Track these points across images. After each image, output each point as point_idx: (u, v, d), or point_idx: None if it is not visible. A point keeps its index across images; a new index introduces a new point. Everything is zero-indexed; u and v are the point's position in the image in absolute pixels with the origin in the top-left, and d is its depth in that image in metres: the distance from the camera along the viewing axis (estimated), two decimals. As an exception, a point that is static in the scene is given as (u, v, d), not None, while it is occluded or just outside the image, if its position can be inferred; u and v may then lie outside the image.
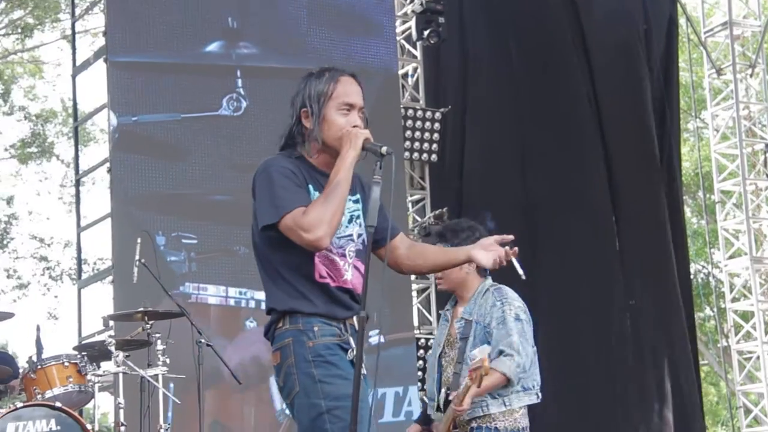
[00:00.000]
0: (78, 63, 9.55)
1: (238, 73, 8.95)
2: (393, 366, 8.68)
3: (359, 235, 3.64)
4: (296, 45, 9.24)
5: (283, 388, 3.56)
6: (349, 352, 3.52)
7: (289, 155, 3.66)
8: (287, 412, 8.36)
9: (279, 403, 8.41)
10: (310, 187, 3.59)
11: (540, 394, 4.76)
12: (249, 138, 8.80)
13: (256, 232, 3.65)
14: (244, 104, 8.87)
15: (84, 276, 10.30)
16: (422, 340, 9.67)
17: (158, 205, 8.47)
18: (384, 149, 3.48)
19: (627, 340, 10.55)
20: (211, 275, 8.50)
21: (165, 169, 8.56)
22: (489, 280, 4.90)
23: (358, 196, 3.71)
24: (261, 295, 8.37)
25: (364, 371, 3.45)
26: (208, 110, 8.78)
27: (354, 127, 3.57)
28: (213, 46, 8.97)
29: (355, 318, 3.53)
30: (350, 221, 3.67)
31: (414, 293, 10.06)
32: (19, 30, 19.18)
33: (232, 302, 8.54)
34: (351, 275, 3.61)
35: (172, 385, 6.50)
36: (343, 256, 3.62)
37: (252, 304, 8.56)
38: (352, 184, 3.59)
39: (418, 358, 9.51)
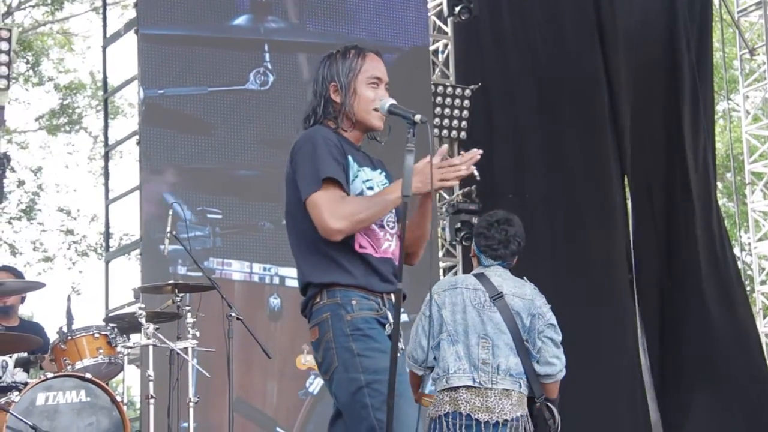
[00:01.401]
0: (108, 35, 9.54)
1: (266, 48, 8.92)
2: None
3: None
4: (324, 20, 9.19)
5: (321, 364, 3.52)
6: (386, 326, 3.49)
7: (329, 127, 3.64)
8: (311, 390, 8.45)
9: (302, 381, 8.42)
10: (350, 157, 3.58)
11: (454, 377, 4.80)
12: (275, 113, 8.77)
13: (294, 203, 3.59)
14: (271, 79, 8.84)
15: (110, 249, 10.31)
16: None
17: (183, 179, 8.46)
18: (418, 117, 3.45)
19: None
20: (236, 251, 8.49)
21: (191, 143, 8.53)
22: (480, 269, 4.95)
23: (381, 171, 3.71)
24: (285, 271, 8.51)
25: (402, 346, 3.43)
26: (235, 84, 8.75)
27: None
28: (241, 20, 8.94)
29: (393, 294, 3.50)
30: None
31: (441, 271, 10.04)
32: (50, 1, 19.18)
33: (256, 278, 8.52)
34: (394, 244, 3.59)
35: (195, 359, 6.48)
36: (382, 226, 3.60)
37: (276, 280, 8.54)
38: (375, 162, 3.67)
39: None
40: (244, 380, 8.02)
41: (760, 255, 12.04)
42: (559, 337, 4.89)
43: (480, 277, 4.90)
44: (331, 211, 3.44)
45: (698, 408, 10.30)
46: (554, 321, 4.88)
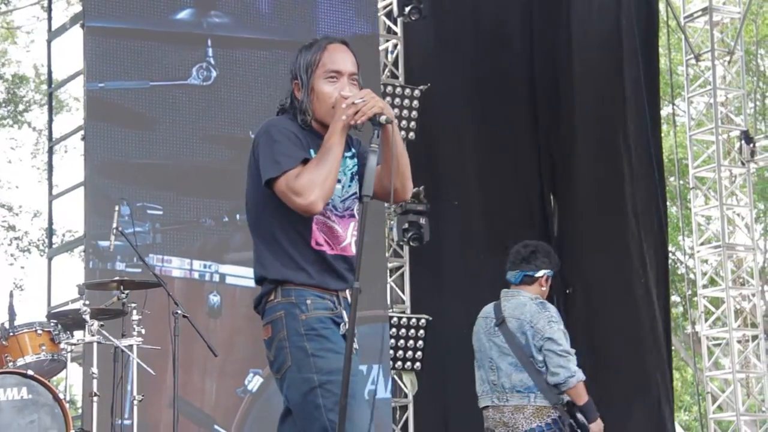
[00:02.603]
0: (53, 28, 9.42)
1: (209, 43, 8.86)
2: (361, 342, 8.61)
3: None
4: (268, 16, 9.14)
5: (273, 362, 3.49)
6: (341, 326, 3.47)
7: (291, 118, 3.59)
8: (249, 388, 8.40)
9: (241, 379, 8.38)
10: (311, 151, 3.51)
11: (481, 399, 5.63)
12: (218, 108, 8.72)
13: (256, 195, 3.55)
14: (214, 74, 8.78)
15: (53, 246, 10.17)
16: (395, 319, 9.65)
17: (124, 174, 8.37)
18: (383, 117, 3.41)
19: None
20: (176, 247, 8.42)
21: (132, 138, 8.45)
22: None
23: (353, 151, 3.64)
24: (225, 268, 8.47)
25: (356, 346, 3.41)
26: (178, 79, 8.68)
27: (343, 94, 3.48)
28: (184, 14, 8.87)
29: (348, 291, 3.48)
30: (351, 180, 3.61)
31: (387, 272, 10.03)
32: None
33: (196, 275, 8.46)
34: (350, 239, 3.54)
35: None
36: (352, 216, 3.56)
37: (216, 278, 8.50)
38: (347, 141, 3.53)
39: (391, 337, 9.50)
40: (183, 378, 7.92)
41: (702, 259, 12.18)
42: (559, 347, 5.38)
43: (496, 302, 5.63)
44: (295, 191, 3.39)
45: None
46: (553, 334, 5.39)
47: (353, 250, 3.53)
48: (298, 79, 3.56)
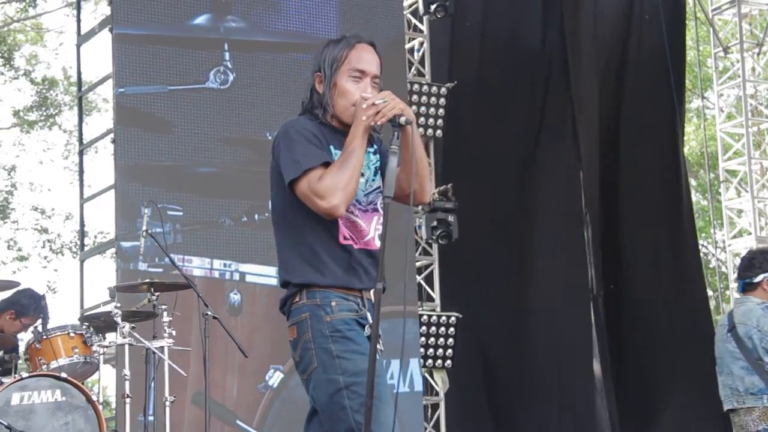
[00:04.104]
0: (82, 32, 9.50)
1: (226, 47, 8.95)
2: (384, 338, 8.63)
3: None
4: (285, 19, 9.21)
5: (299, 363, 3.51)
6: (366, 327, 3.48)
7: (310, 118, 3.59)
8: (270, 384, 8.46)
9: (262, 375, 8.45)
10: (331, 147, 3.53)
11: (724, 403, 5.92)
12: (235, 111, 8.82)
13: (279, 195, 3.56)
14: (231, 77, 8.86)
15: (85, 248, 10.27)
16: (425, 317, 9.66)
17: (144, 176, 8.48)
18: (402, 119, 3.42)
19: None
20: (196, 247, 8.52)
21: (152, 141, 8.55)
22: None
23: (375, 147, 3.65)
24: (245, 267, 8.55)
25: (381, 347, 3.42)
26: (196, 83, 8.77)
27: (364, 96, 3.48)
28: (201, 19, 8.96)
29: (372, 291, 3.49)
30: (375, 174, 3.62)
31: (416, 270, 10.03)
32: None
33: (216, 274, 8.55)
34: (373, 234, 3.55)
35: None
36: (375, 210, 3.57)
37: (236, 276, 8.58)
38: (369, 139, 3.54)
39: (422, 335, 9.51)
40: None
41: (734, 252, 12.11)
42: None
43: (730, 310, 6.04)
44: (318, 194, 3.40)
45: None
46: None
47: (377, 243, 3.54)
48: (322, 71, 3.57)
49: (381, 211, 3.54)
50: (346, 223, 3.51)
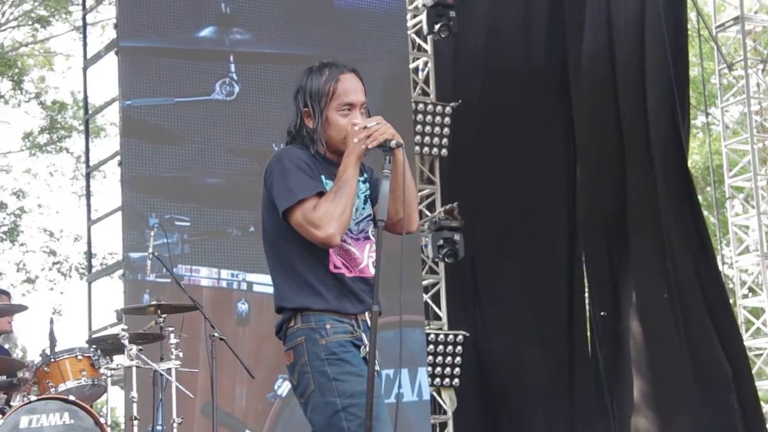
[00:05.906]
0: (89, 56, 9.56)
1: (231, 59, 9.02)
2: (387, 347, 8.62)
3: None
4: (290, 32, 9.27)
5: (297, 387, 3.53)
6: (361, 348, 3.50)
7: (302, 147, 3.61)
8: (279, 393, 8.49)
9: (271, 385, 8.48)
10: (322, 177, 3.55)
11: None
12: (241, 122, 8.90)
13: (270, 224, 3.60)
14: (236, 89, 8.93)
15: (93, 270, 10.30)
16: (432, 336, 9.67)
17: (151, 187, 8.54)
18: (393, 142, 3.45)
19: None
20: (204, 257, 8.58)
21: (158, 152, 8.62)
22: None
23: (366, 176, 3.68)
24: (253, 277, 8.60)
25: (377, 368, 3.44)
26: (202, 95, 8.84)
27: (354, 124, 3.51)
28: (206, 32, 9.04)
29: (367, 313, 3.51)
30: (365, 202, 3.65)
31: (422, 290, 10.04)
32: (32, 22, 19.15)
33: (224, 284, 8.61)
34: (368, 261, 3.57)
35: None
36: (367, 239, 3.60)
37: (243, 286, 8.64)
38: (364, 170, 3.57)
39: (429, 354, 9.52)
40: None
41: (740, 269, 12.11)
42: None
43: None
44: (312, 223, 3.43)
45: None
46: None
47: (371, 271, 3.57)
48: (309, 108, 3.59)
49: (373, 239, 3.58)
50: (338, 252, 3.54)
